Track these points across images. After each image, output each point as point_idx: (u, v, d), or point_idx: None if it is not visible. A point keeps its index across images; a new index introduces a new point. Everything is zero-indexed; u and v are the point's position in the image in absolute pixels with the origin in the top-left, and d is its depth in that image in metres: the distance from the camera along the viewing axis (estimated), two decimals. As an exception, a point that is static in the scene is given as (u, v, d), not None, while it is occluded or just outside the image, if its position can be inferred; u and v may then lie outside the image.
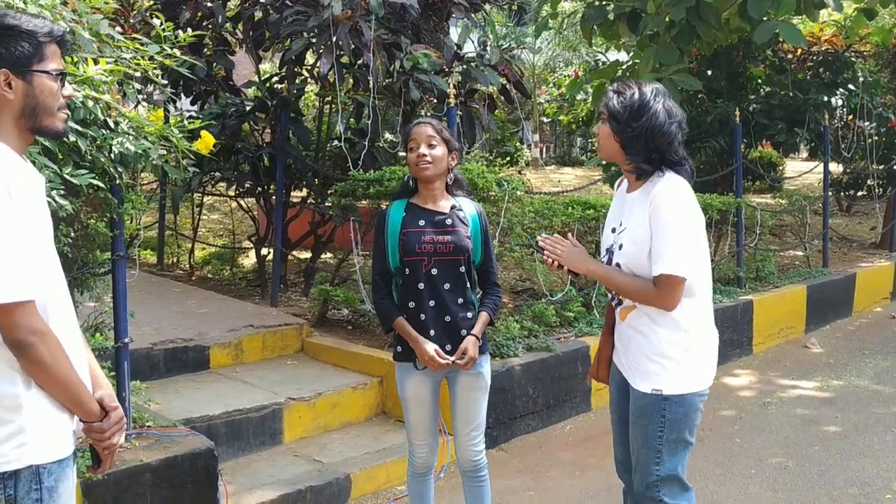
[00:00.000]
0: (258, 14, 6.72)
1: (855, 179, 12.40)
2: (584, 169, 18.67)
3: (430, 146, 3.31)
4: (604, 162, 9.47)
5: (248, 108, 6.67)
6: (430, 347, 3.26)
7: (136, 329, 4.90)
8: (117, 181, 3.44)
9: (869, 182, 12.21)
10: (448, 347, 3.30)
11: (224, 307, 6.11)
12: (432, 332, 3.29)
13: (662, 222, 2.72)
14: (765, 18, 7.74)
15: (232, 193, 7.44)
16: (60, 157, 3.12)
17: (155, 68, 3.50)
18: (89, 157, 3.23)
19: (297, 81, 6.87)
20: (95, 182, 3.15)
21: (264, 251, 7.09)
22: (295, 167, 6.72)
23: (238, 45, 7.18)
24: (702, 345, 2.87)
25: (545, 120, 21.12)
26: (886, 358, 6.95)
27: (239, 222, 8.72)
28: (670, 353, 2.82)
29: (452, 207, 3.38)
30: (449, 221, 3.34)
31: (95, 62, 3.15)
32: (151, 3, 6.46)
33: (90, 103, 3.13)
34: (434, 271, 3.28)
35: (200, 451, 3.68)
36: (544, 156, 21.55)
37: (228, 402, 4.59)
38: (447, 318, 3.31)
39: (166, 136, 3.50)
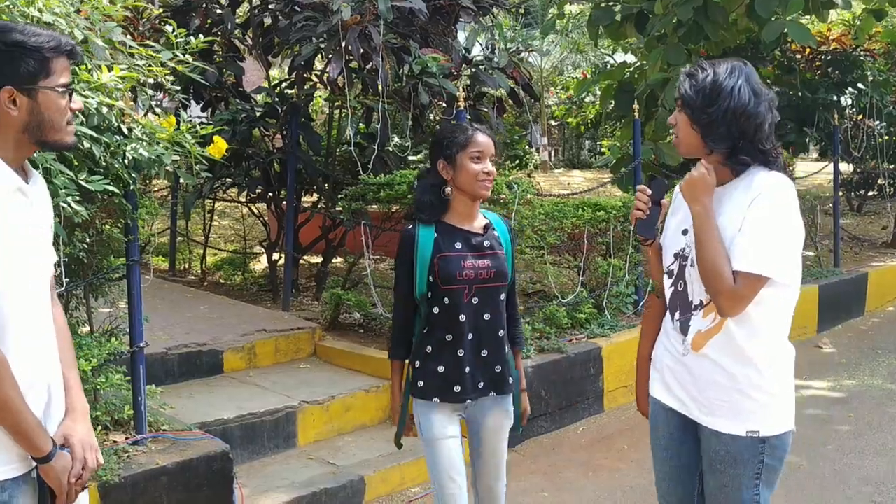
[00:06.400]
0: (267, 20, 6.76)
1: (865, 179, 12.36)
2: (593, 171, 18.68)
3: (492, 161, 2.97)
4: (612, 162, 9.49)
5: (258, 114, 6.70)
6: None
7: (150, 334, 4.90)
8: (131, 187, 3.47)
9: (879, 182, 12.18)
10: (481, 384, 2.99)
11: (236, 312, 6.13)
12: (468, 369, 2.95)
13: (762, 216, 2.32)
14: (773, 18, 7.76)
15: (243, 199, 7.47)
16: (76, 163, 3.15)
17: (168, 74, 3.53)
18: (103, 164, 3.26)
19: (306, 87, 6.90)
20: (110, 188, 3.19)
21: (276, 256, 7.12)
22: (305, 172, 6.75)
23: (248, 51, 7.22)
24: (792, 369, 2.54)
25: (553, 123, 21.13)
26: (900, 357, 6.93)
27: (250, 228, 8.76)
28: (770, 385, 2.44)
29: (486, 227, 3.02)
30: (487, 243, 2.99)
31: (109, 69, 3.19)
32: (161, 10, 6.50)
33: (104, 110, 3.15)
34: (475, 300, 2.94)
35: (216, 454, 3.71)
36: (552, 158, 21.56)
37: (242, 405, 4.61)
38: (484, 353, 2.98)
39: (179, 141, 3.53)
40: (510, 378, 3.05)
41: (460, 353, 2.93)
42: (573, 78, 19.77)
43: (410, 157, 7.03)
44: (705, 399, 2.44)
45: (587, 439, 5.24)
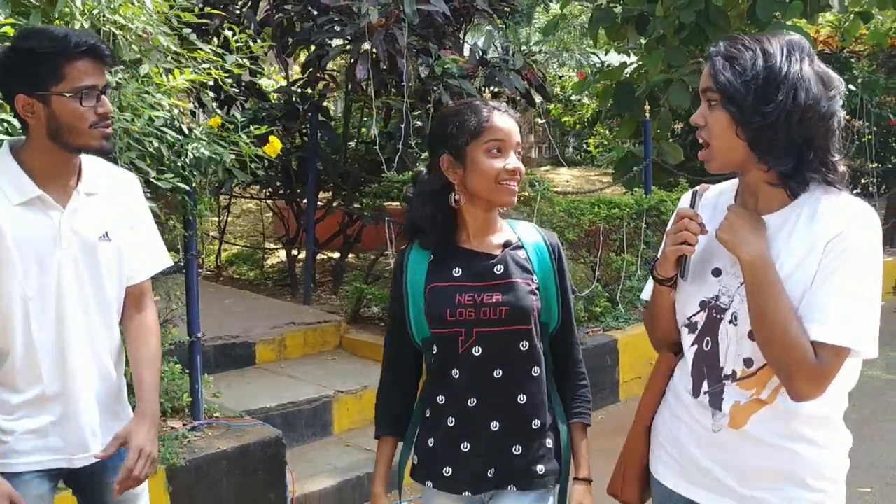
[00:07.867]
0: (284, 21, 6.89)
1: (851, 177, 12.68)
2: (580, 169, 18.92)
3: (517, 154, 2.09)
4: (608, 162, 9.73)
5: (279, 113, 6.85)
6: None
7: (184, 326, 5.08)
8: (192, 184, 3.64)
9: (863, 181, 12.50)
10: (491, 472, 2.13)
11: (261, 306, 6.27)
12: (466, 447, 2.12)
13: (847, 263, 1.67)
14: (772, 21, 8.02)
15: (262, 195, 7.62)
16: (148, 162, 3.32)
17: (227, 77, 3.70)
18: (167, 162, 3.43)
19: (319, 86, 7.04)
20: (181, 185, 3.36)
21: (294, 251, 7.27)
22: (324, 169, 6.91)
23: (264, 51, 7.34)
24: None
25: (539, 120, 21.34)
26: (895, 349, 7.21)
27: (259, 223, 8.89)
28: (831, 471, 1.86)
29: (506, 244, 2.14)
30: (499, 269, 2.11)
31: (169, 72, 3.37)
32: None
33: (175, 111, 3.34)
34: (477, 350, 2.08)
35: (270, 439, 3.88)
36: (538, 156, 21.76)
37: (280, 394, 4.77)
38: (494, 426, 2.11)
39: (235, 140, 3.71)
40: (540, 467, 2.15)
41: (450, 421, 2.12)
42: (559, 76, 20.02)
43: (423, 155, 7.22)
44: (747, 489, 1.83)
45: (606, 428, 5.42)
